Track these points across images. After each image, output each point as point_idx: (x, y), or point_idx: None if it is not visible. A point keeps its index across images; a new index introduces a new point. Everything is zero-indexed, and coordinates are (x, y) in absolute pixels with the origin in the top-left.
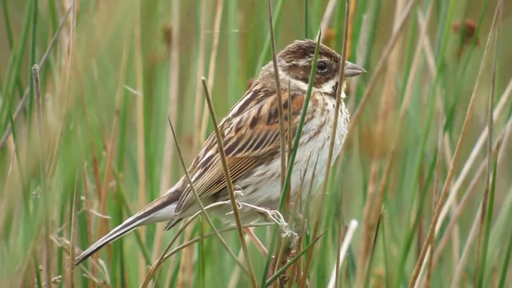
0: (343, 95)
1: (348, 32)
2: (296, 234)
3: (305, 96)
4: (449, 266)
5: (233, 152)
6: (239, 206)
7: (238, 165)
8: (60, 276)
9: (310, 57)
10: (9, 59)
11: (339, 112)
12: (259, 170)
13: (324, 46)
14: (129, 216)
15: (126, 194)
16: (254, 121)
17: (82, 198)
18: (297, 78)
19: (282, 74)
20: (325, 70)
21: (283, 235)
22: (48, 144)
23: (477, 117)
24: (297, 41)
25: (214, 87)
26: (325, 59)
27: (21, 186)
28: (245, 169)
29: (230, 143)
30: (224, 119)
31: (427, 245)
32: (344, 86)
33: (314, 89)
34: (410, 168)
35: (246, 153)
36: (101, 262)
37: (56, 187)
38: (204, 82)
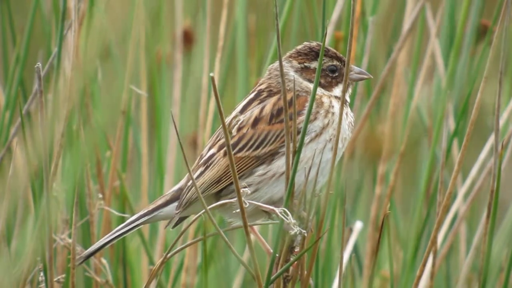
0: (347, 99)
1: (354, 33)
2: (304, 231)
3: (307, 97)
4: (456, 266)
5: (234, 152)
6: (246, 204)
7: (238, 164)
8: (64, 275)
9: (323, 60)
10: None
11: (344, 115)
12: (260, 170)
13: (335, 51)
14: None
15: (130, 194)
16: (256, 121)
17: (100, 196)
18: (309, 80)
19: (294, 75)
20: (336, 74)
21: (292, 232)
22: (50, 144)
23: (487, 118)
24: (306, 43)
25: (219, 88)
26: (336, 63)
27: (23, 186)
28: (245, 169)
29: (231, 142)
30: (230, 117)
31: (431, 246)
32: (349, 90)
33: (324, 92)
34: (419, 169)
35: (247, 153)
36: (104, 261)
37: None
38: (212, 79)
